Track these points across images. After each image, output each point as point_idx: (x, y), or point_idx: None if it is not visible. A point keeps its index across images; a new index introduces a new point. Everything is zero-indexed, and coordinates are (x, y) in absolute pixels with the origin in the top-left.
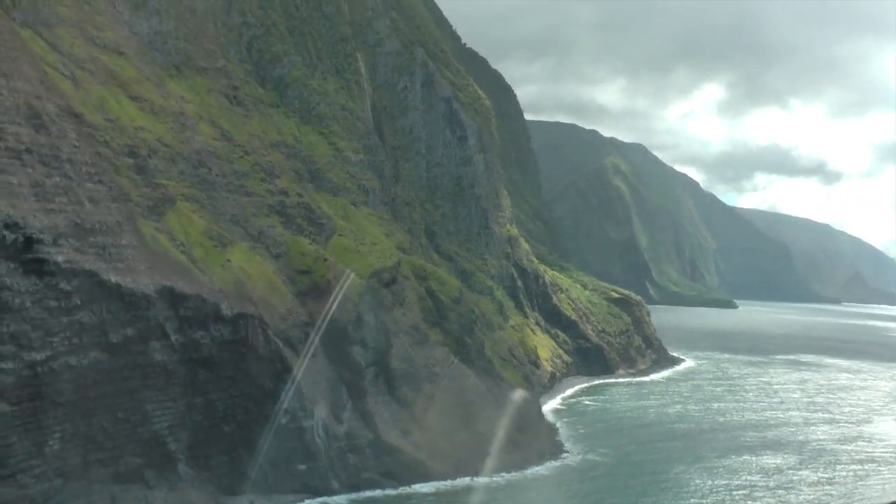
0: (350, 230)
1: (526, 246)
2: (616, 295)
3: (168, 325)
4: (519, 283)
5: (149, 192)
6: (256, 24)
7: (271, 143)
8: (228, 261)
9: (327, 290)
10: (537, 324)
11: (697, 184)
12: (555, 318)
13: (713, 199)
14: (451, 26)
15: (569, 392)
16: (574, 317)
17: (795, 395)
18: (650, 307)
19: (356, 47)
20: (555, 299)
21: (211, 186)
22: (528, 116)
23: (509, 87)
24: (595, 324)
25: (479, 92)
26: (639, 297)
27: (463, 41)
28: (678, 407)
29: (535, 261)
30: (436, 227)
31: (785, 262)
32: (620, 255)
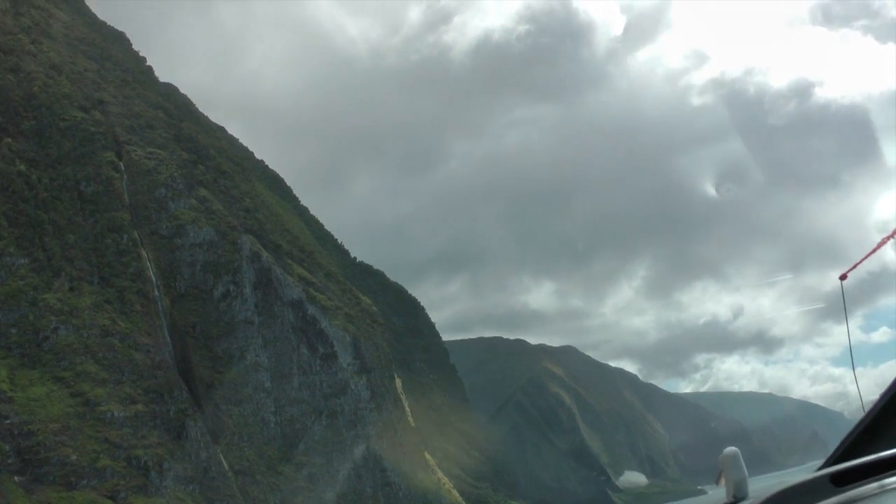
0: None
1: (455, 494)
2: None
3: None
4: None
5: None
6: None
7: None
8: None
9: None
10: None
11: (636, 376)
12: None
13: (655, 389)
14: (334, 239)
15: None
16: None
17: None
18: None
19: (139, 240)
20: None
21: None
22: (454, 337)
23: (415, 300)
24: None
25: (358, 294)
26: None
27: (353, 255)
28: None
29: None
30: (300, 498)
31: (741, 438)
32: (575, 467)
